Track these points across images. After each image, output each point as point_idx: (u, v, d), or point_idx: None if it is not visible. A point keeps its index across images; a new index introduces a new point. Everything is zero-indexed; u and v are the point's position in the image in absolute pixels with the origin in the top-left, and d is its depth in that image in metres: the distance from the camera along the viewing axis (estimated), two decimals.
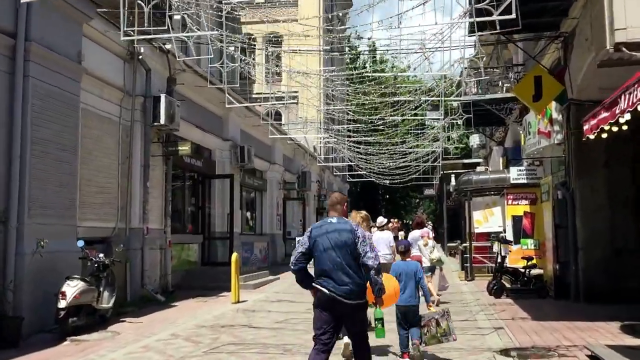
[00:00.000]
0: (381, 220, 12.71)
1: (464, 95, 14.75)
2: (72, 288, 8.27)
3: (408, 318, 6.52)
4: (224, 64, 10.17)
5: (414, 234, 13.51)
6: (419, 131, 23.28)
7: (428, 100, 17.24)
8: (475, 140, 28.06)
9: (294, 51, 13.23)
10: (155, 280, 12.48)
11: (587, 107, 11.24)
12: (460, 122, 18.16)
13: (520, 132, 16.45)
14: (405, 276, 6.58)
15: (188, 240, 15.48)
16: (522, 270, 12.60)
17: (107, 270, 9.38)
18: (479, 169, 22.31)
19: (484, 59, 12.75)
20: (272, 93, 18.18)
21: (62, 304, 8.12)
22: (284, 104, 16.45)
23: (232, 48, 11.68)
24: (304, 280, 5.04)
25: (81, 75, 9.95)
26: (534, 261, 12.73)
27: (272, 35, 29.14)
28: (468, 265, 16.35)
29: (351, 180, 27.83)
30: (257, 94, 26.47)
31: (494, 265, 13.91)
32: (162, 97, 12.20)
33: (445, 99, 15.33)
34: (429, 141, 22.57)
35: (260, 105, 22.72)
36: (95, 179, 10.93)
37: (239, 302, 11.91)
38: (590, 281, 10.97)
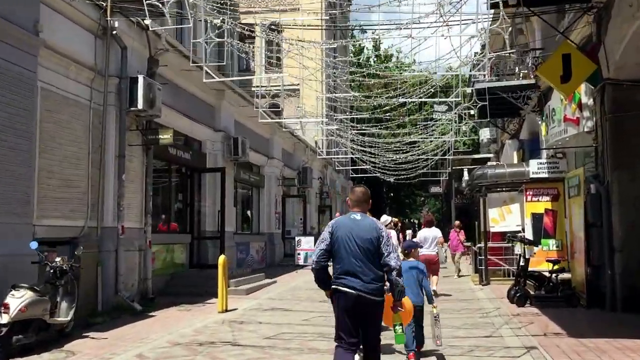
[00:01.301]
0: (385, 219, 11.77)
1: (481, 74, 13.36)
2: (16, 299, 6.85)
3: (414, 317, 6.30)
4: (206, 35, 8.72)
5: (423, 232, 12.35)
6: (428, 122, 21.85)
7: (446, 75, 15.79)
8: (485, 134, 26.66)
9: (294, 27, 11.83)
10: (132, 286, 11.04)
11: (626, 87, 9.91)
12: (472, 112, 16.87)
13: (540, 121, 15.07)
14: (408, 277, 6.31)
15: (174, 241, 13.98)
16: (549, 274, 11.12)
17: (66, 277, 7.89)
18: (489, 164, 20.85)
19: (509, 28, 11.29)
20: (269, 86, 16.79)
21: (4, 318, 6.71)
22: (280, 91, 15.00)
23: (219, 20, 10.21)
24: (325, 281, 4.84)
25: (38, 49, 8.52)
26: (562, 264, 11.25)
27: (272, 25, 27.77)
28: (483, 268, 14.87)
29: (355, 176, 26.41)
30: (255, 87, 25.10)
31: (514, 268, 12.49)
32: (140, 78, 10.72)
33: (462, 73, 13.94)
34: (438, 133, 21.18)
35: (258, 98, 21.34)
36: (59, 170, 9.48)
37: (226, 311, 10.45)
38: (630, 287, 9.62)
